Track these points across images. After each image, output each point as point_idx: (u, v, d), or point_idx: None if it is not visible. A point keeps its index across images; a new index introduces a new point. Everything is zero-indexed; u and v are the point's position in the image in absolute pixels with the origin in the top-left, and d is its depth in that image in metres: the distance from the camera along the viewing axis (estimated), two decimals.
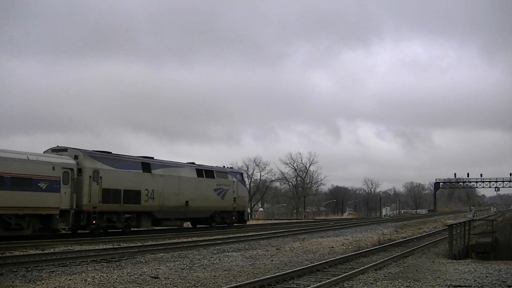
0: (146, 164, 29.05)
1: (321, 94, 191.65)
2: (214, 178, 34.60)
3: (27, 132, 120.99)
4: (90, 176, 25.05)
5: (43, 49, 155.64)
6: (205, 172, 33.90)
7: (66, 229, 25.29)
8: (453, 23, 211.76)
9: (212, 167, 35.85)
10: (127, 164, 27.81)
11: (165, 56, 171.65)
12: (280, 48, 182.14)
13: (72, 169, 24.10)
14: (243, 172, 39.87)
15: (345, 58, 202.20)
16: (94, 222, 24.84)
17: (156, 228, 31.57)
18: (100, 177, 25.53)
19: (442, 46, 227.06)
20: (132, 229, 28.38)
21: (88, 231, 25.17)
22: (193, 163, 34.23)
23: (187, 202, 31.49)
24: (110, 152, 27.59)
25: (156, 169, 29.62)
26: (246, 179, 40.03)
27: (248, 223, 53.13)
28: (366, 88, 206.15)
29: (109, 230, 26.57)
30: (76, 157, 24.96)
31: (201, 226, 34.93)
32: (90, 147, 27.65)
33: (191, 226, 35.86)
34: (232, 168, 38.46)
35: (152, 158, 30.48)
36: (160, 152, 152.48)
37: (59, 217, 23.14)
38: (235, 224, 37.07)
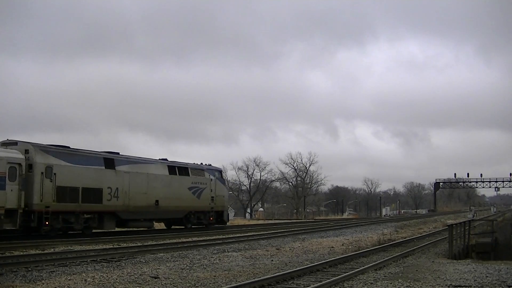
0: (109, 160, 26.65)
1: (318, 94, 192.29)
2: (188, 175, 32.08)
3: (26, 132, 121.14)
4: (42, 173, 22.81)
5: (39, 49, 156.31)
6: (178, 169, 31.41)
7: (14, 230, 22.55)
8: (449, 23, 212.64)
9: (187, 163, 33.03)
10: (86, 160, 25.35)
11: (160, 56, 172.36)
12: (275, 47, 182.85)
13: (20, 164, 21.86)
14: (221, 169, 36.46)
15: (340, 57, 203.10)
16: (47, 223, 22.62)
17: (122, 229, 29.00)
18: (54, 174, 23.22)
19: (438, 46, 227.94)
20: (94, 231, 26.03)
21: (42, 233, 22.76)
22: (165, 159, 31.82)
23: (157, 201, 29.09)
24: (68, 147, 25.23)
25: (121, 165, 27.16)
26: (225, 177, 37.11)
27: (247, 223, 53.51)
28: (363, 87, 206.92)
29: (69, 232, 24.54)
30: (26, 152, 22.77)
31: (176, 227, 33.01)
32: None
33: (165, 227, 34.00)
34: (210, 165, 35.44)
35: (118, 153, 28.18)
36: (159, 152, 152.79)
37: (4, 217, 21.01)
38: (213, 226, 34.98)
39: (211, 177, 34.24)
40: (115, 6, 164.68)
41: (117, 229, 28.33)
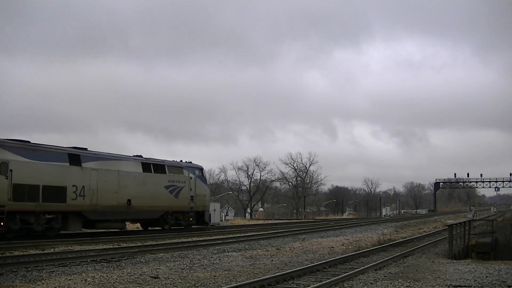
0: (75, 156, 24.78)
1: (315, 94, 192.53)
2: (165, 173, 30.26)
3: (25, 132, 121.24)
4: None
5: (35, 49, 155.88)
6: (153, 166, 29.53)
7: None
8: (446, 22, 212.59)
9: (163, 161, 31.24)
10: (49, 156, 23.49)
11: (157, 55, 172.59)
12: (271, 47, 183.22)
13: None
14: (202, 167, 34.62)
15: (337, 57, 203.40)
16: (2, 224, 20.95)
17: (90, 231, 27.35)
18: (11, 170, 21.49)
19: (435, 45, 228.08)
20: (59, 232, 24.17)
21: None
22: (140, 156, 29.87)
23: (129, 200, 27.22)
24: (29, 142, 23.33)
25: (88, 161, 25.33)
26: (206, 175, 34.82)
27: (247, 223, 53.49)
28: (360, 87, 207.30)
29: (32, 234, 22.74)
30: None
31: (152, 228, 31.37)
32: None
33: (141, 228, 32.32)
34: (190, 162, 33.58)
35: (85, 149, 26.17)
36: (158, 152, 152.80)
37: None
38: (194, 227, 33.18)
39: (191, 175, 32.44)
40: (111, 5, 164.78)
41: (84, 230, 26.79)
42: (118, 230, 28.05)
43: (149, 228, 31.38)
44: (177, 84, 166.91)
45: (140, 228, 32.41)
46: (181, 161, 32.96)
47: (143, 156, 30.05)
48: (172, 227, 30.98)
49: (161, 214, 29.91)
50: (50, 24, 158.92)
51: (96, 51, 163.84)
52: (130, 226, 33.88)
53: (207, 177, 43.54)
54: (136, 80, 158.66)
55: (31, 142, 23.47)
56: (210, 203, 50.77)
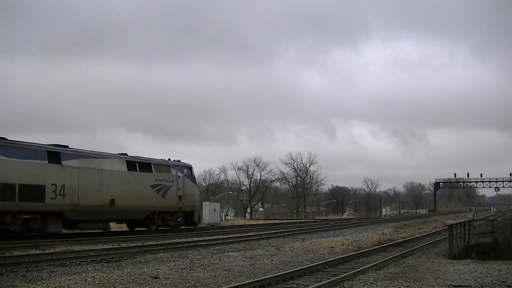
0: (54, 154, 23.68)
1: (314, 93, 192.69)
2: (151, 172, 29.00)
3: (23, 131, 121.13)
4: None
5: (33, 49, 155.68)
6: (138, 165, 28.24)
7: None
8: (445, 22, 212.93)
9: (149, 159, 29.85)
10: (26, 153, 22.50)
11: (155, 55, 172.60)
12: (269, 47, 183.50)
13: None
14: (191, 166, 33.16)
15: (335, 57, 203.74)
16: None
17: (70, 232, 26.32)
18: None
19: (434, 45, 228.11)
20: (38, 233, 23.07)
21: None
22: (125, 154, 28.66)
23: (113, 200, 26.00)
24: (5, 138, 22.43)
25: (69, 159, 24.16)
26: (195, 174, 33.71)
27: (247, 223, 53.50)
28: (359, 87, 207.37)
29: (9, 235, 21.73)
30: None
31: (140, 229, 29.97)
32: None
33: (128, 229, 30.73)
34: (179, 161, 32.25)
35: (66, 146, 25.06)
36: (157, 152, 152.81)
37: None
38: (182, 227, 31.92)
39: (179, 174, 31.08)
40: (109, 5, 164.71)
41: (65, 231, 25.52)
42: (102, 231, 26.94)
43: (136, 228, 30.16)
44: (176, 84, 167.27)
45: (127, 229, 31.07)
46: (169, 159, 31.83)
47: (129, 154, 29.01)
48: (160, 228, 29.97)
49: (147, 214, 28.70)
50: (48, 24, 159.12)
51: (95, 51, 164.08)
52: (116, 227, 32.89)
53: (196, 176, 42.34)
54: (135, 80, 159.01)
55: (8, 139, 22.65)
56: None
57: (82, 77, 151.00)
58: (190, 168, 32.88)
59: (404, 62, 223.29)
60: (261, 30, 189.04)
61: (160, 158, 31.29)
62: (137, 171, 27.99)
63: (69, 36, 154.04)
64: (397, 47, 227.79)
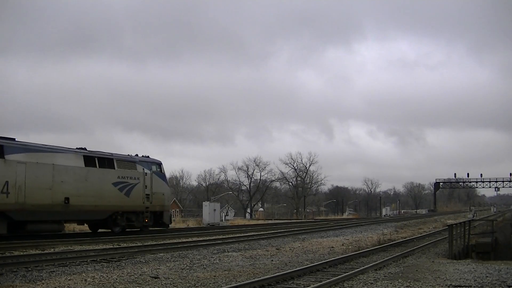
0: None
1: (310, 93, 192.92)
2: (113, 168, 26.47)
3: (22, 131, 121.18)
4: None
5: (27, 48, 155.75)
6: (98, 160, 25.78)
7: None
8: (440, 21, 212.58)
9: (111, 154, 27.23)
10: None
11: (150, 55, 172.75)
12: (264, 47, 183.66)
13: None
14: (160, 162, 30.50)
15: (330, 56, 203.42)
16: None
17: (90, 231, 25.83)
18: None
19: (429, 44, 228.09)
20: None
21: None
22: (84, 148, 26.14)
23: (67, 199, 23.59)
24: None
25: (14, 153, 21.79)
26: (165, 171, 31.07)
27: (247, 223, 53.49)
28: (355, 86, 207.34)
29: None
30: None
31: (103, 230, 27.80)
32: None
33: (89, 230, 28.40)
34: (147, 157, 29.79)
35: (13, 139, 22.60)
36: (156, 152, 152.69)
37: None
38: (151, 229, 29.75)
39: (146, 171, 28.62)
40: (103, 5, 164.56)
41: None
42: (55, 233, 24.39)
43: (99, 230, 27.87)
44: (172, 83, 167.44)
45: (89, 230, 28.66)
46: (136, 155, 29.24)
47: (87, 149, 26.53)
48: (127, 229, 27.76)
49: (108, 214, 26.22)
50: (43, 24, 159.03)
51: (90, 51, 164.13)
52: (79, 228, 30.58)
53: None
54: (131, 80, 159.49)
55: None
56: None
57: (77, 76, 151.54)
58: (159, 164, 30.41)
59: (399, 61, 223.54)
60: (255, 29, 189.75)
61: (127, 154, 28.86)
62: (96, 167, 25.55)
63: (63, 36, 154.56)
64: (393, 46, 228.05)
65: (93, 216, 25.93)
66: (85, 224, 28.33)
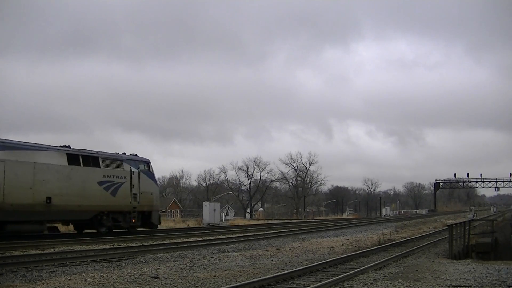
0: None
1: (309, 93, 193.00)
2: (99, 167, 25.52)
3: (21, 131, 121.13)
4: None
5: (25, 49, 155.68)
6: (82, 159, 24.76)
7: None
8: (438, 21, 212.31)
9: (97, 152, 26.17)
10: None
11: (148, 55, 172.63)
12: (262, 47, 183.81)
13: None
14: (149, 160, 29.48)
15: (328, 56, 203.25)
16: None
17: (90, 231, 25.01)
18: None
19: (427, 44, 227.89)
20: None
21: None
22: (68, 146, 25.08)
23: (49, 198, 22.67)
24: None
25: None
26: (153, 170, 29.92)
27: (247, 223, 53.49)
28: (353, 86, 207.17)
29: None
30: None
31: (89, 231, 26.62)
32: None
33: (75, 231, 27.24)
34: (135, 155, 28.76)
35: None
36: (155, 152, 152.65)
37: None
38: (139, 229, 28.93)
39: (134, 169, 27.57)
40: (101, 4, 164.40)
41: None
42: (36, 233, 23.24)
43: (85, 231, 26.72)
44: (170, 83, 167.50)
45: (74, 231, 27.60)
46: (124, 153, 28.30)
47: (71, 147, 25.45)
48: (114, 230, 26.84)
49: (93, 214, 25.29)
50: (41, 23, 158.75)
51: (88, 50, 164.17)
52: (65, 228, 29.00)
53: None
54: (129, 80, 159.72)
55: None
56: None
57: (76, 76, 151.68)
58: (147, 163, 29.34)
59: (398, 61, 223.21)
60: (253, 29, 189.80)
61: (114, 152, 27.87)
62: (80, 165, 24.58)
63: (62, 36, 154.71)
64: (391, 46, 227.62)
65: (77, 216, 25.04)
66: (70, 224, 27.41)
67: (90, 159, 25.26)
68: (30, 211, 22.05)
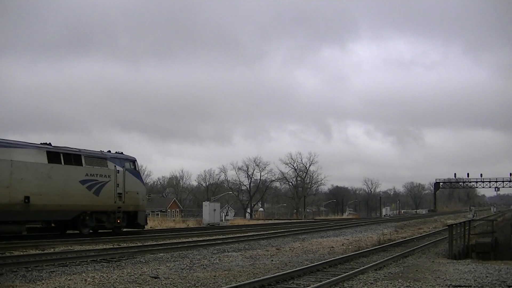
0: None
1: (307, 93, 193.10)
2: (81, 165, 24.51)
3: (20, 131, 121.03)
4: None
5: (22, 48, 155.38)
6: (63, 156, 23.74)
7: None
8: (436, 21, 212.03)
9: (79, 150, 25.08)
10: None
11: (145, 55, 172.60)
12: (259, 46, 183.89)
13: None
14: (135, 158, 28.43)
15: (325, 56, 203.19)
16: None
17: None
18: None
19: (425, 44, 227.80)
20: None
21: None
22: (49, 144, 24.02)
23: (27, 198, 21.64)
24: None
25: None
26: (139, 168, 28.97)
27: (247, 223, 53.49)
28: (351, 86, 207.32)
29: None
30: None
31: (72, 232, 25.62)
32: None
33: (59, 232, 25.63)
34: (121, 153, 27.88)
35: None
36: (155, 151, 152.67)
37: None
38: (125, 230, 27.98)
39: (118, 168, 26.53)
40: (98, 4, 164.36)
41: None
42: (14, 235, 21.89)
43: (68, 231, 25.71)
44: (168, 83, 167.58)
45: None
46: (109, 151, 27.24)
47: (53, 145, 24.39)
48: (98, 231, 26.11)
49: (75, 214, 24.31)
50: (38, 23, 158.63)
51: (85, 50, 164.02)
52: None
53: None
54: (127, 80, 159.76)
55: None
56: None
57: (73, 76, 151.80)
58: (133, 161, 28.27)
59: (396, 61, 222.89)
60: (250, 29, 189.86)
61: (99, 150, 26.78)
62: (61, 163, 23.56)
63: (59, 35, 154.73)
64: (389, 46, 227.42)
65: (57, 216, 23.99)
66: (52, 225, 25.91)
67: (71, 157, 24.29)
68: (7, 211, 21.04)
